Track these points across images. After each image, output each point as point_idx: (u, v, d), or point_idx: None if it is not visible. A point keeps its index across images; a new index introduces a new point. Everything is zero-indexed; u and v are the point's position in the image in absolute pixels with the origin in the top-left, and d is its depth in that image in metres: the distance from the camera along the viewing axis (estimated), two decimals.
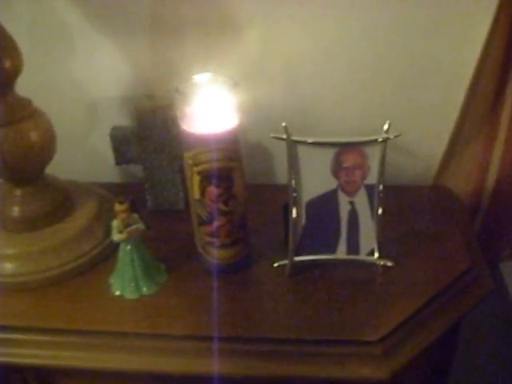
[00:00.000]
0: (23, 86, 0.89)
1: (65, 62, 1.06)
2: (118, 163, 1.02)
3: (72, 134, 0.99)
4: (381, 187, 0.83)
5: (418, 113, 1.04)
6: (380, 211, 0.85)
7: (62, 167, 0.98)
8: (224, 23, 0.99)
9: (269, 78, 1.02)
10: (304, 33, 0.99)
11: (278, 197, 0.94)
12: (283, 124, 0.79)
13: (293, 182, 0.83)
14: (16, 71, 0.86)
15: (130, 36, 1.02)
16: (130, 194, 0.87)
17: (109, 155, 1.03)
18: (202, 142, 0.78)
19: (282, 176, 1.11)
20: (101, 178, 1.13)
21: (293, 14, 0.98)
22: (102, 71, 1.06)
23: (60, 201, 0.96)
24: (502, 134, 1.01)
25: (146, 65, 1.04)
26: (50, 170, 0.96)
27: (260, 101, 0.95)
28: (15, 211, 0.94)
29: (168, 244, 0.96)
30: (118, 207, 0.83)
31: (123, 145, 0.99)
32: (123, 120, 1.07)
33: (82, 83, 1.08)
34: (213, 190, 0.81)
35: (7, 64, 0.84)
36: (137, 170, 1.06)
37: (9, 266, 0.91)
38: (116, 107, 1.09)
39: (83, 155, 1.13)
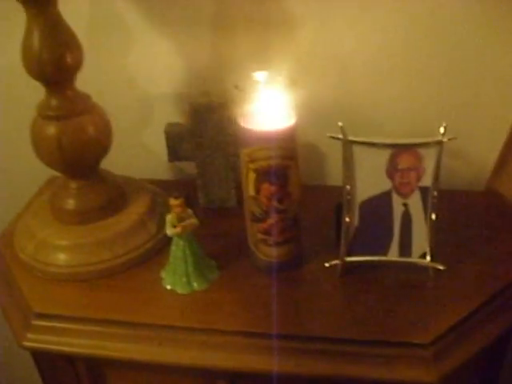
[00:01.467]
0: (80, 81, 0.90)
1: (121, 57, 1.08)
2: (171, 160, 1.03)
3: (126, 130, 1.00)
4: (435, 193, 0.83)
5: (472, 115, 1.03)
6: (434, 216, 0.84)
7: (115, 162, 1.00)
8: (278, 21, 0.99)
9: (321, 77, 1.02)
10: (358, 31, 0.99)
11: (328, 197, 0.95)
12: (340, 124, 0.80)
13: (347, 182, 0.83)
14: (77, 66, 0.87)
15: (186, 33, 1.03)
16: (182, 190, 0.87)
17: (161, 152, 1.04)
18: (260, 139, 0.78)
19: (331, 176, 1.12)
20: (152, 174, 1.14)
21: (346, 12, 0.98)
22: (158, 67, 1.07)
23: (113, 195, 0.98)
24: None
25: (201, 62, 1.05)
26: (104, 164, 0.97)
27: (312, 99, 0.95)
28: (70, 204, 0.96)
29: (219, 241, 0.97)
30: (172, 201, 0.84)
31: (177, 141, 1.00)
32: (177, 117, 1.08)
33: (137, 79, 1.09)
34: (268, 188, 0.81)
35: (69, 59, 0.85)
36: (188, 166, 1.07)
37: (62, 257, 0.93)
38: (171, 104, 1.10)
39: (136, 151, 1.15)
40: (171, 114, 1.09)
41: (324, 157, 1.10)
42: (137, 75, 1.09)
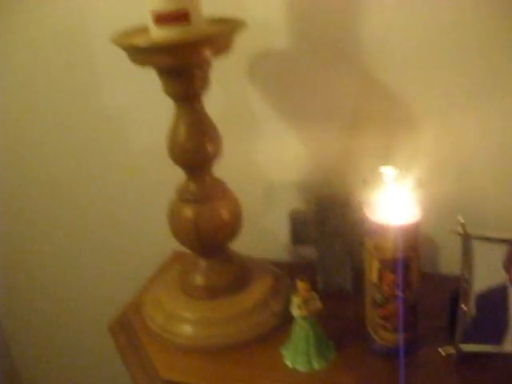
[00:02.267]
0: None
1: (250, 145, 1.17)
2: (293, 243, 1.10)
3: (251, 212, 1.07)
4: None
5: None
6: None
7: (239, 241, 1.06)
8: (402, 117, 1.06)
9: (443, 171, 1.06)
10: (479, 126, 1.03)
11: (442, 285, 0.99)
12: (460, 219, 0.85)
13: (465, 274, 0.87)
14: (216, 155, 0.97)
15: (313, 125, 1.12)
16: (300, 273, 0.93)
17: (283, 234, 1.11)
18: (386, 231, 0.84)
19: (444, 265, 1.15)
20: (273, 255, 1.21)
21: (468, 109, 1.03)
22: (285, 156, 1.16)
23: (239, 274, 1.05)
24: None
25: (326, 153, 1.13)
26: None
27: (433, 193, 0.99)
28: (198, 280, 1.04)
29: (336, 323, 1.01)
30: (300, 285, 0.90)
31: (300, 227, 1.07)
32: (301, 203, 1.16)
33: (264, 165, 1.18)
34: (391, 277, 0.86)
35: (209, 148, 0.95)
36: (308, 250, 1.14)
37: (189, 329, 1.00)
38: (295, 191, 1.17)
39: (259, 232, 1.22)
40: (295, 200, 1.17)
41: (439, 246, 1.14)
42: (264, 162, 1.18)
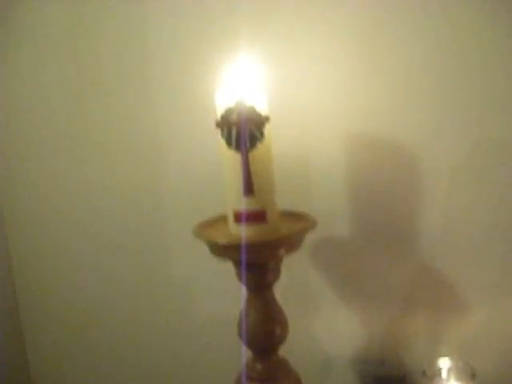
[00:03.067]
0: None
1: (309, 322, 1.25)
2: None
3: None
4: None
5: None
6: None
7: None
8: (452, 303, 1.13)
9: (494, 358, 1.10)
10: None
11: None
12: None
13: None
14: (283, 339, 1.04)
15: (369, 306, 1.19)
16: None
17: None
18: None
19: None
20: None
21: None
22: (341, 333, 1.23)
23: None
24: None
25: (379, 332, 1.20)
26: None
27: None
28: None
29: None
30: None
31: None
32: (356, 380, 1.22)
33: (321, 342, 1.25)
34: None
35: (278, 334, 1.03)
36: None
37: None
38: (350, 367, 1.23)
39: None
40: (351, 377, 1.22)
41: None
42: (322, 338, 1.25)
